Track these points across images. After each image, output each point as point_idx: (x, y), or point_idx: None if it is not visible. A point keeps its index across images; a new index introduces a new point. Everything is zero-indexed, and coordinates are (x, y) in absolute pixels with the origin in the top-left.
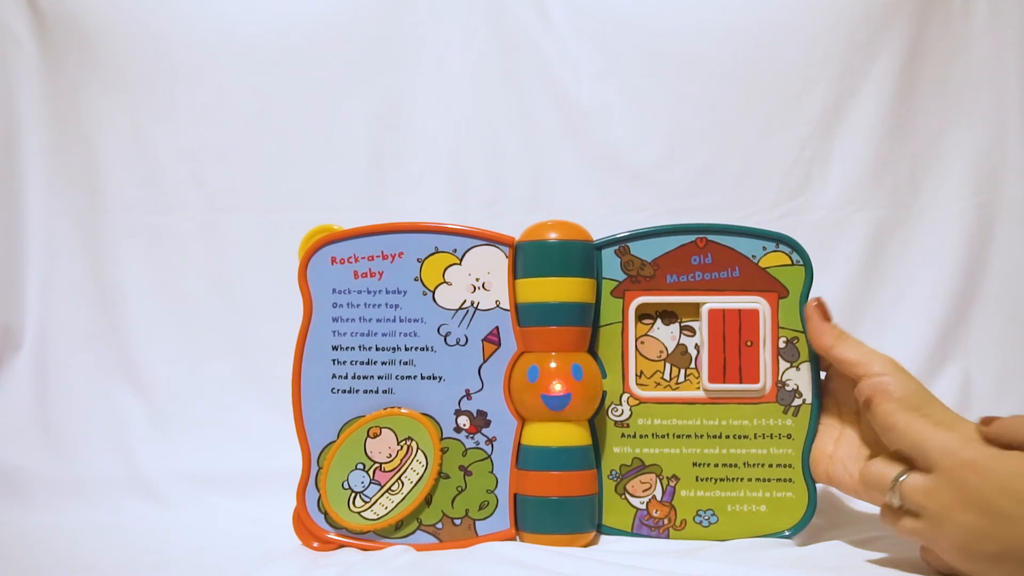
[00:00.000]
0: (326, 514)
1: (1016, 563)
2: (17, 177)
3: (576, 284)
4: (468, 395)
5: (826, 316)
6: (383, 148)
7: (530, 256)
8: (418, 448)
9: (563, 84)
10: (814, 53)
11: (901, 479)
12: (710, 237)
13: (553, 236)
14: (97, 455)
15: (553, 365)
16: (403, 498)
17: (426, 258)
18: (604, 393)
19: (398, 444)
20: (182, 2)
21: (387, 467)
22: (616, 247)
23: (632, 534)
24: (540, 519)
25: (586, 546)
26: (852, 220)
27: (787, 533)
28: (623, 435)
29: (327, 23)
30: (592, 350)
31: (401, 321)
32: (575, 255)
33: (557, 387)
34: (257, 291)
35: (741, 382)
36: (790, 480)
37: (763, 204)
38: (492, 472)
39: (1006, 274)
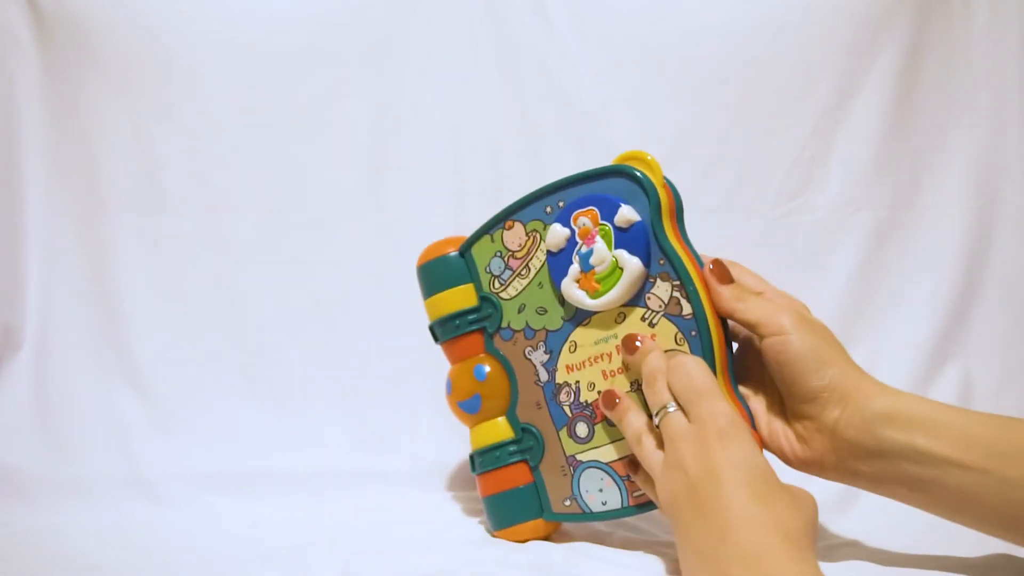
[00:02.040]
0: None
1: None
2: (17, 177)
3: (450, 295)
4: None
5: (723, 278)
6: (383, 148)
7: (420, 281)
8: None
9: (563, 84)
10: (814, 53)
11: (670, 409)
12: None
13: (436, 254)
14: (97, 455)
15: (460, 372)
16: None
17: None
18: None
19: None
20: (182, 2)
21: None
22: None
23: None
24: (492, 516)
25: (545, 536)
26: (852, 220)
27: None
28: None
29: (327, 23)
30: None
31: None
32: (441, 269)
33: (465, 393)
34: (257, 291)
35: None
36: None
37: (763, 204)
38: None
39: (1006, 274)
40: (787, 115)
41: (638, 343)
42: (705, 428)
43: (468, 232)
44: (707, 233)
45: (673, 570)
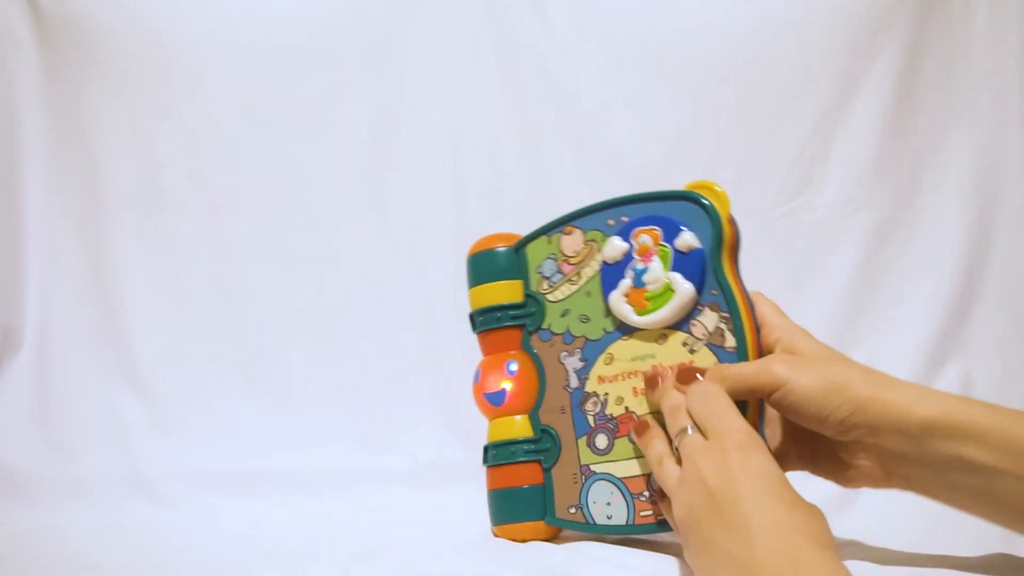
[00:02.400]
0: None
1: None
2: (17, 177)
3: (497, 288)
4: None
5: (687, 379)
6: (383, 148)
7: (469, 269)
8: None
9: (563, 84)
10: (814, 53)
11: (688, 431)
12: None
13: (490, 247)
14: (97, 455)
15: (493, 364)
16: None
17: None
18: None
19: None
20: (183, 2)
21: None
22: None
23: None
24: (496, 511)
25: (543, 539)
26: (852, 220)
27: None
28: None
29: (327, 23)
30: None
31: None
32: (493, 261)
33: (494, 385)
34: (257, 291)
35: None
36: None
37: (763, 204)
38: None
39: (1006, 274)
40: (787, 115)
41: (660, 379)
42: (723, 441)
43: (468, 231)
44: None
45: (672, 571)
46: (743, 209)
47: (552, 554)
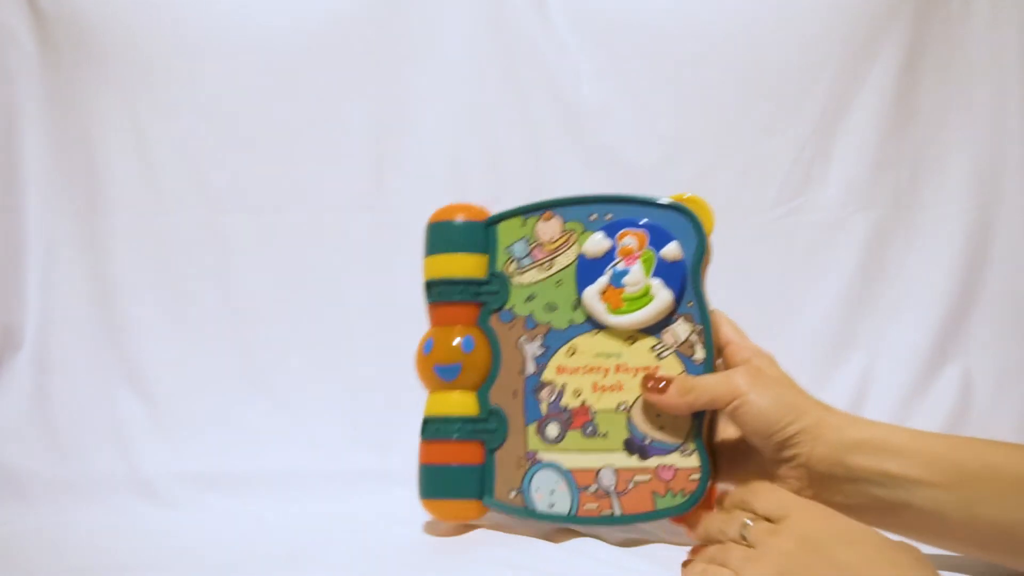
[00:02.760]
0: None
1: None
2: (17, 177)
3: (461, 259)
4: None
5: (660, 389)
6: (383, 148)
7: (431, 235)
8: None
9: (563, 84)
10: (814, 53)
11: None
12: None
13: (458, 217)
14: (97, 455)
15: (448, 337)
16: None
17: None
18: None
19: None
20: (183, 2)
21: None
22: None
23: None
24: (429, 485)
25: (473, 518)
26: (852, 220)
27: None
28: None
29: (327, 23)
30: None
31: None
32: (458, 232)
33: (447, 358)
34: (257, 291)
35: None
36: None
37: (763, 204)
38: None
39: (1006, 274)
40: (787, 115)
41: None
42: (797, 518)
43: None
44: None
45: (672, 571)
46: (743, 209)
47: (552, 553)
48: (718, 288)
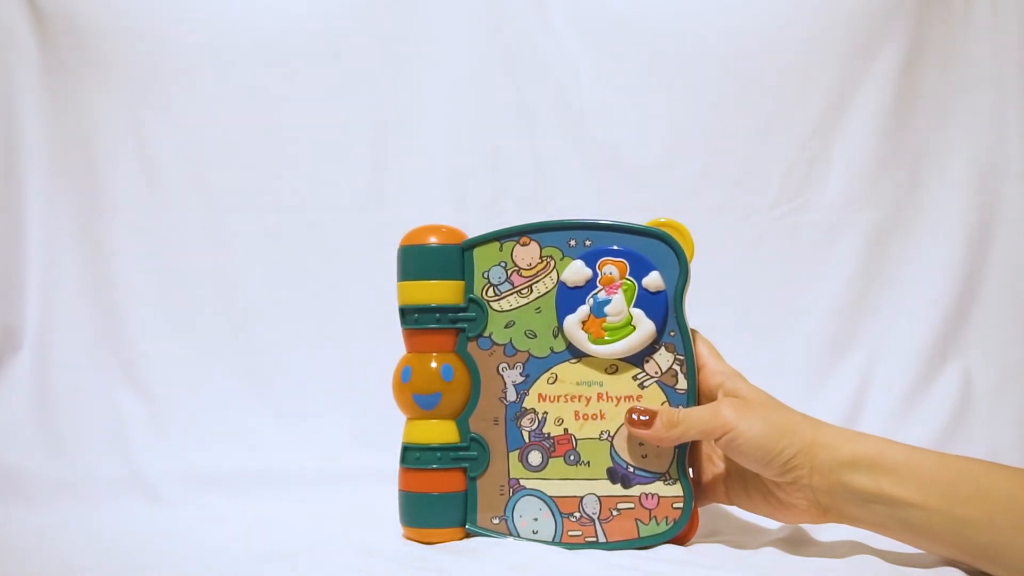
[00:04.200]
0: None
1: None
2: (17, 177)
3: (438, 287)
4: None
5: (645, 422)
6: (383, 148)
7: (404, 260)
8: None
9: (563, 84)
10: (814, 53)
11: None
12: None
13: (432, 240)
14: (97, 455)
15: (426, 365)
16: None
17: None
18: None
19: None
20: (183, 2)
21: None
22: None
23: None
24: (411, 513)
25: (460, 539)
26: (852, 220)
27: None
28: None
29: (327, 23)
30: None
31: None
32: (435, 257)
33: (426, 387)
34: (257, 291)
35: None
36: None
37: (763, 204)
38: None
39: (1006, 274)
40: (787, 115)
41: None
42: None
43: (468, 231)
44: (707, 233)
45: (671, 571)
46: (743, 209)
47: (552, 554)
48: (718, 288)
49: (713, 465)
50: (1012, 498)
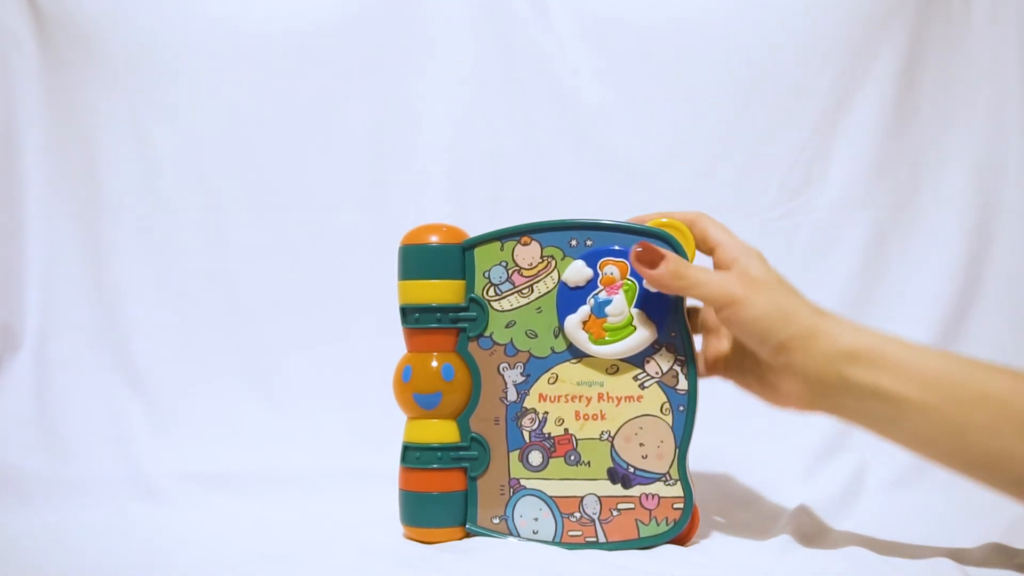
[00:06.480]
0: None
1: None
2: (17, 177)
3: (439, 286)
4: None
5: (653, 263)
6: (383, 148)
7: (405, 259)
8: None
9: (563, 84)
10: (814, 53)
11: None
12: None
13: (433, 240)
14: (97, 455)
15: (427, 365)
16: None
17: None
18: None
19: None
20: (183, 2)
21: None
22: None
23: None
24: (411, 513)
25: (460, 539)
26: (852, 220)
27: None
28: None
29: (327, 23)
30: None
31: None
32: (435, 256)
33: (427, 387)
34: (257, 291)
35: None
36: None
37: (763, 204)
38: None
39: (1006, 274)
40: (787, 115)
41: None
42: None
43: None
44: None
45: (670, 572)
46: (743, 209)
47: (552, 554)
48: None
49: (718, 340)
50: (1018, 404)
